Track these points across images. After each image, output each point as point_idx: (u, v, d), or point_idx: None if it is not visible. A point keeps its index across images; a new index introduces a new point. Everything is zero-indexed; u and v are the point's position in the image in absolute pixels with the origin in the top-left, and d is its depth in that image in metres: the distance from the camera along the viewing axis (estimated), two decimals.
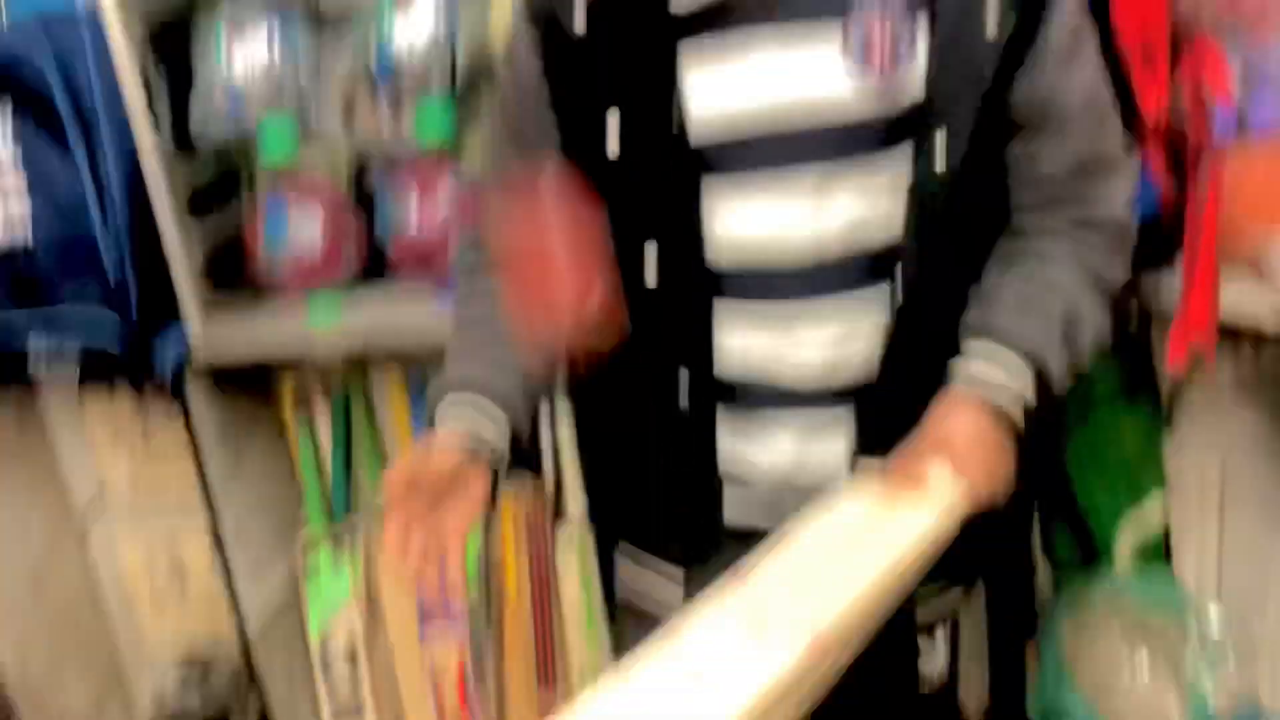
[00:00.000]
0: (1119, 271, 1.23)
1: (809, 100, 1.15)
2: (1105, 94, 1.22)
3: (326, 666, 2.50)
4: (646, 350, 1.26)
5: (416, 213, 2.12)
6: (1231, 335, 1.76)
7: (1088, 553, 1.96)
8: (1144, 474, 1.94)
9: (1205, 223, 1.60)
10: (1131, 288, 1.75)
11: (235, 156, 2.28)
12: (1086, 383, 1.84)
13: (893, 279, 1.19)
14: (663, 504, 1.34)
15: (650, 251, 1.20)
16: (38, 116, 2.03)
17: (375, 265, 2.29)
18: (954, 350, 1.20)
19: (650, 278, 1.21)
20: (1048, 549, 2.02)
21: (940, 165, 1.13)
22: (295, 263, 2.15)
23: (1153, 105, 1.54)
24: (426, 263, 2.13)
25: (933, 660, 1.40)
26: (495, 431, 1.21)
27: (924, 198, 1.15)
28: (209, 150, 2.22)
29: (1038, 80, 1.15)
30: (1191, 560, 2.05)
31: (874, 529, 1.08)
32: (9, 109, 2.04)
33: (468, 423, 1.19)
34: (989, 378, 1.15)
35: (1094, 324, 1.20)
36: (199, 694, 2.56)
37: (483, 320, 1.29)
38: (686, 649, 0.94)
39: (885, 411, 1.22)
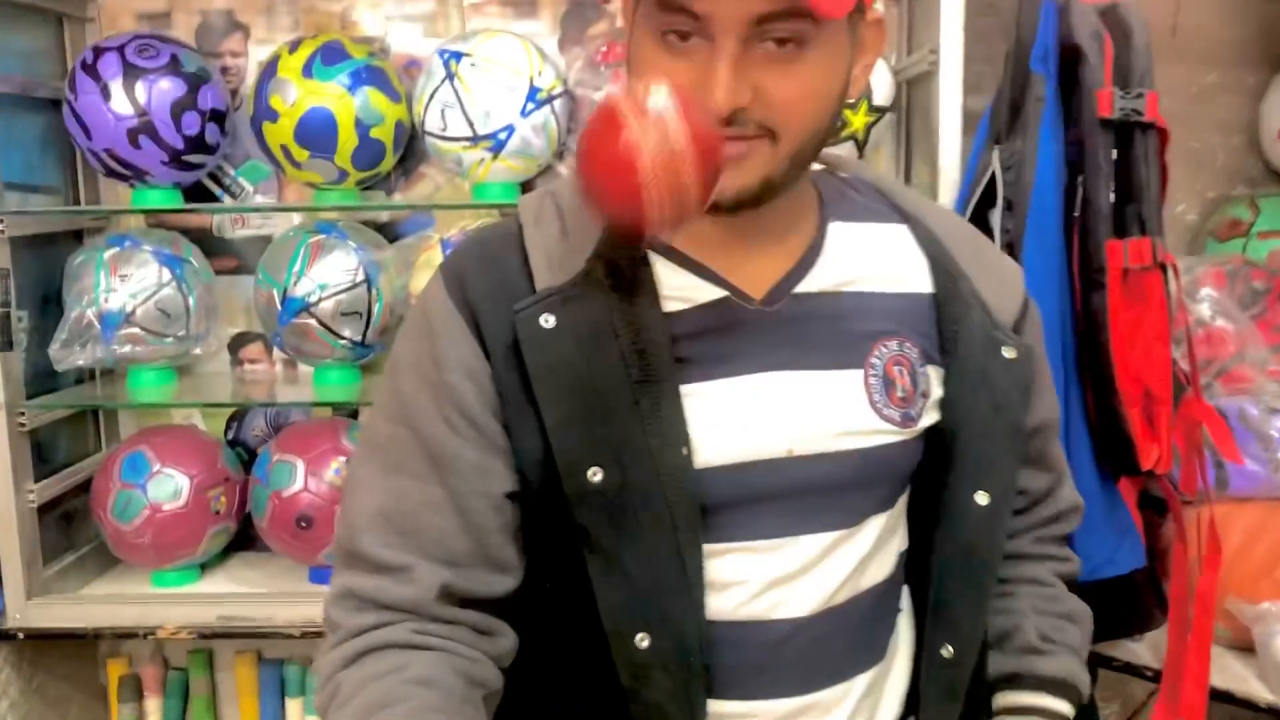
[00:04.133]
0: (1078, 560, 1.20)
1: (829, 450, 0.97)
2: (1056, 400, 1.18)
3: None
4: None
5: (302, 481, 1.84)
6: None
7: None
8: None
9: (1202, 590, 1.45)
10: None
11: (98, 396, 1.99)
12: None
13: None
14: None
15: (642, 640, 0.96)
16: None
17: (245, 532, 2.00)
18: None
19: (631, 667, 0.95)
20: None
21: (984, 499, 1.03)
22: (148, 533, 1.83)
23: (1151, 457, 1.42)
24: (304, 537, 1.84)
25: None
26: None
27: (969, 541, 1.04)
28: (66, 385, 1.94)
29: (1036, 406, 1.09)
30: None
31: None
32: None
33: None
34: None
35: (1088, 621, 1.16)
36: None
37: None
38: None
39: None
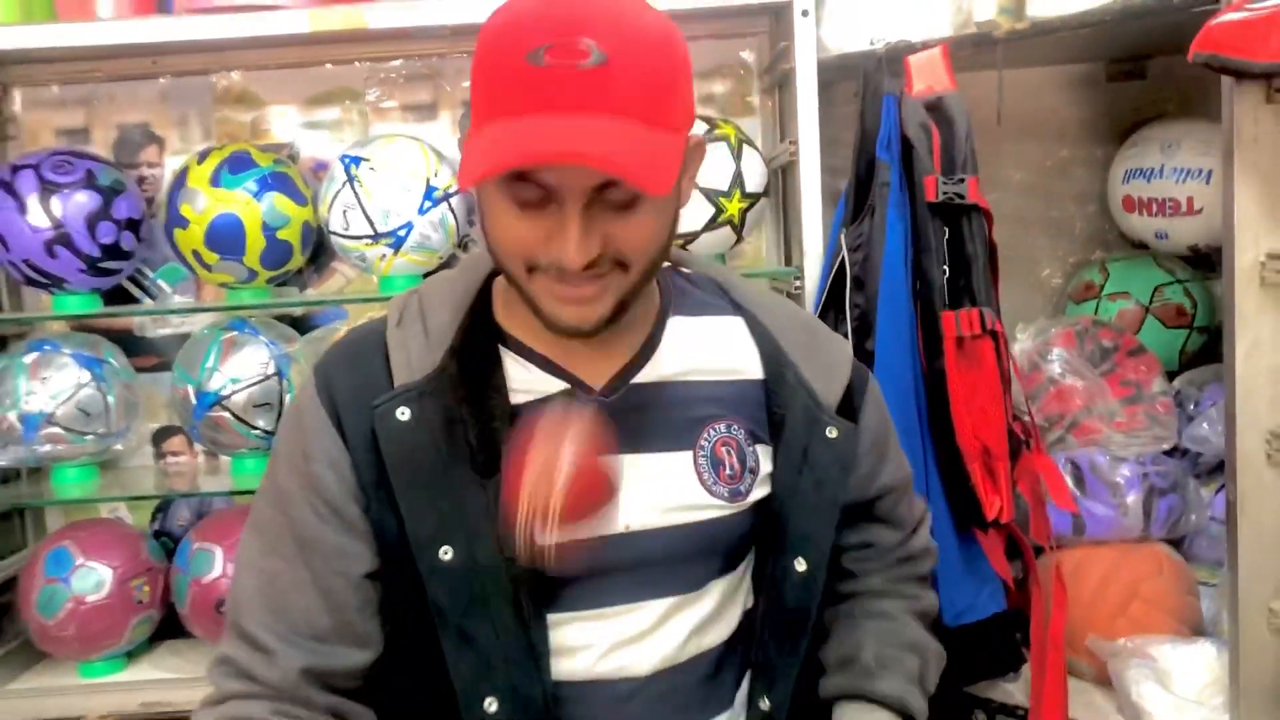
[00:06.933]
0: (934, 597, 1.29)
1: (663, 525, 1.09)
2: (908, 465, 1.27)
3: None
4: None
5: (222, 567, 1.92)
6: None
7: None
8: None
9: (1053, 632, 1.56)
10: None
11: (22, 495, 2.06)
12: None
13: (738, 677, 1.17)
14: None
15: (490, 705, 1.06)
16: None
17: (173, 621, 2.06)
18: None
19: None
20: None
21: (801, 565, 1.13)
22: (72, 625, 1.90)
23: (993, 509, 1.54)
24: (224, 622, 1.90)
25: None
26: None
27: (788, 605, 1.14)
28: None
29: (859, 483, 1.19)
30: None
31: None
32: None
33: None
34: None
35: (936, 656, 1.23)
36: None
37: None
38: None
39: None
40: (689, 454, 1.10)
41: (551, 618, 1.06)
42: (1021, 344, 1.86)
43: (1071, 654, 1.70)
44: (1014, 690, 1.75)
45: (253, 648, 1.04)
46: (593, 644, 1.08)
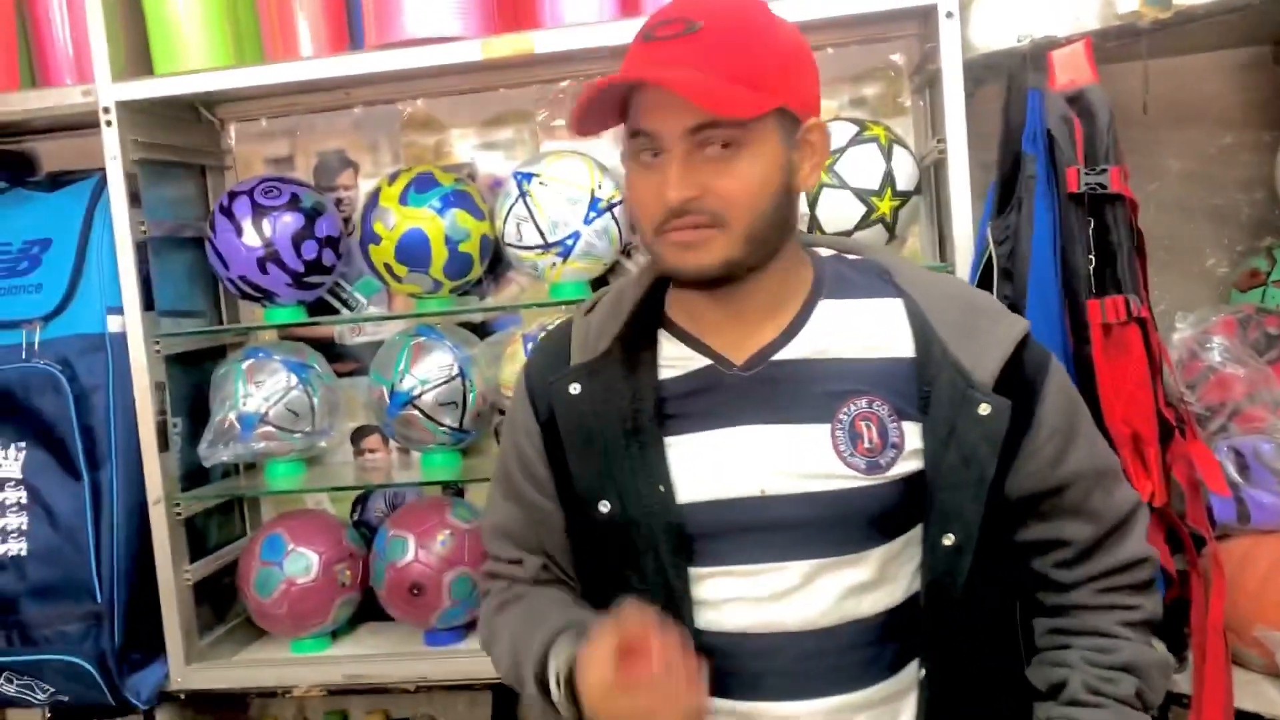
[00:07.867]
0: (1156, 603, 1.26)
1: (798, 492, 1.17)
2: (1109, 456, 1.27)
3: None
4: None
5: (413, 553, 2.10)
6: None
7: None
8: None
9: (1212, 619, 1.55)
10: None
11: (241, 487, 2.30)
12: None
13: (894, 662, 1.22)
14: None
15: None
16: (48, 443, 2.06)
17: (373, 603, 2.25)
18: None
19: None
20: None
21: (949, 540, 1.18)
22: (285, 604, 2.11)
23: (1145, 493, 1.55)
24: (416, 603, 2.08)
25: None
26: None
27: (936, 578, 1.19)
28: (216, 479, 2.26)
29: (1041, 470, 1.20)
30: None
31: None
32: (21, 433, 2.08)
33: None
34: None
35: (1158, 668, 1.23)
36: None
37: (537, 608, 1.30)
38: None
39: None
40: (827, 426, 1.18)
41: (694, 571, 1.19)
42: (1181, 333, 1.85)
43: (1240, 644, 1.69)
44: (1179, 680, 1.74)
45: (503, 563, 1.34)
46: (737, 598, 1.19)
